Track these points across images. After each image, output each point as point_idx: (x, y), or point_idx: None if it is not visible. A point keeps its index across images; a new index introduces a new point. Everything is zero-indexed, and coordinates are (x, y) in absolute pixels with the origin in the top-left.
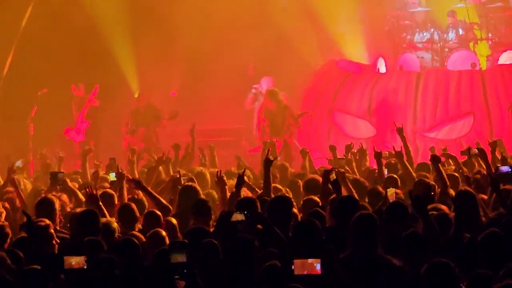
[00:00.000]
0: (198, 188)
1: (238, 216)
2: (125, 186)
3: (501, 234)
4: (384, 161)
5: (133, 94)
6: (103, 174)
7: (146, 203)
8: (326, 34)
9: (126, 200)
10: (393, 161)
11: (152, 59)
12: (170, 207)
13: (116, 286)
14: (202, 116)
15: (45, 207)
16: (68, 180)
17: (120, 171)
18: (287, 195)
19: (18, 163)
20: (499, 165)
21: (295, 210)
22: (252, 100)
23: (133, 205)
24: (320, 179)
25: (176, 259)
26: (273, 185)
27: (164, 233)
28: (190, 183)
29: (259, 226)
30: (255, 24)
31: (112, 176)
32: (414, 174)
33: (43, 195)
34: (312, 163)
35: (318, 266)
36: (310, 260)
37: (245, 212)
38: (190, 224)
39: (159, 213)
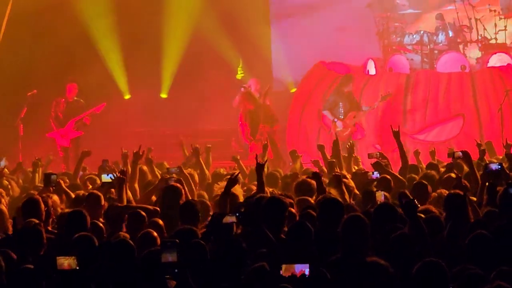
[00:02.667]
0: (182, 188)
1: (229, 218)
2: (125, 188)
3: (489, 237)
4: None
5: (122, 96)
6: (92, 175)
7: (134, 204)
8: (316, 36)
9: (125, 202)
10: (383, 163)
11: (142, 61)
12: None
13: (108, 286)
14: (191, 118)
15: (31, 207)
16: (62, 182)
17: (118, 174)
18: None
19: (2, 163)
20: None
21: (292, 210)
22: (240, 100)
23: (120, 205)
24: (312, 181)
25: (167, 259)
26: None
27: (155, 233)
28: (174, 183)
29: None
30: (244, 25)
31: (104, 177)
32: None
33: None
34: (302, 166)
35: (306, 271)
36: (298, 265)
37: (237, 214)
38: (174, 225)
39: (144, 213)
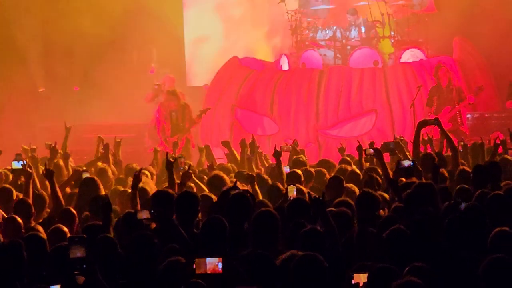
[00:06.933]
0: (99, 181)
1: (143, 214)
2: (31, 181)
3: (407, 232)
4: (293, 157)
5: (37, 88)
6: (6, 170)
7: (47, 198)
8: (228, 31)
9: (31, 195)
10: (302, 159)
11: (56, 53)
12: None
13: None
14: (104, 112)
15: None
16: None
17: (27, 166)
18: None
19: None
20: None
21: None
22: (152, 96)
23: (29, 200)
24: (224, 176)
25: (75, 254)
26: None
27: (65, 228)
28: (91, 176)
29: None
30: (158, 21)
31: (15, 164)
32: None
33: None
34: (214, 160)
35: (219, 265)
36: (211, 259)
37: (151, 211)
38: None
39: (74, 211)
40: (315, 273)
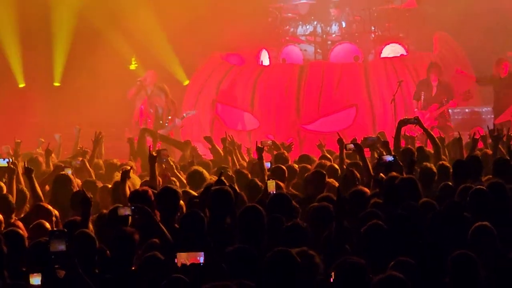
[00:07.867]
0: (72, 177)
1: (124, 211)
2: (14, 178)
3: (385, 227)
4: (274, 152)
5: (17, 85)
6: None
7: (27, 193)
8: (208, 27)
9: (14, 192)
10: (284, 155)
11: (35, 50)
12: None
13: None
14: (84, 108)
15: None
16: None
17: (11, 161)
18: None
19: None
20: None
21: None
22: (135, 92)
23: (10, 196)
24: (204, 171)
25: (55, 248)
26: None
27: (48, 224)
28: (64, 172)
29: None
30: (139, 17)
31: (0, 162)
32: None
33: None
34: (199, 156)
35: (201, 259)
36: (193, 253)
37: (132, 207)
38: (66, 214)
39: (49, 207)
40: (287, 269)
